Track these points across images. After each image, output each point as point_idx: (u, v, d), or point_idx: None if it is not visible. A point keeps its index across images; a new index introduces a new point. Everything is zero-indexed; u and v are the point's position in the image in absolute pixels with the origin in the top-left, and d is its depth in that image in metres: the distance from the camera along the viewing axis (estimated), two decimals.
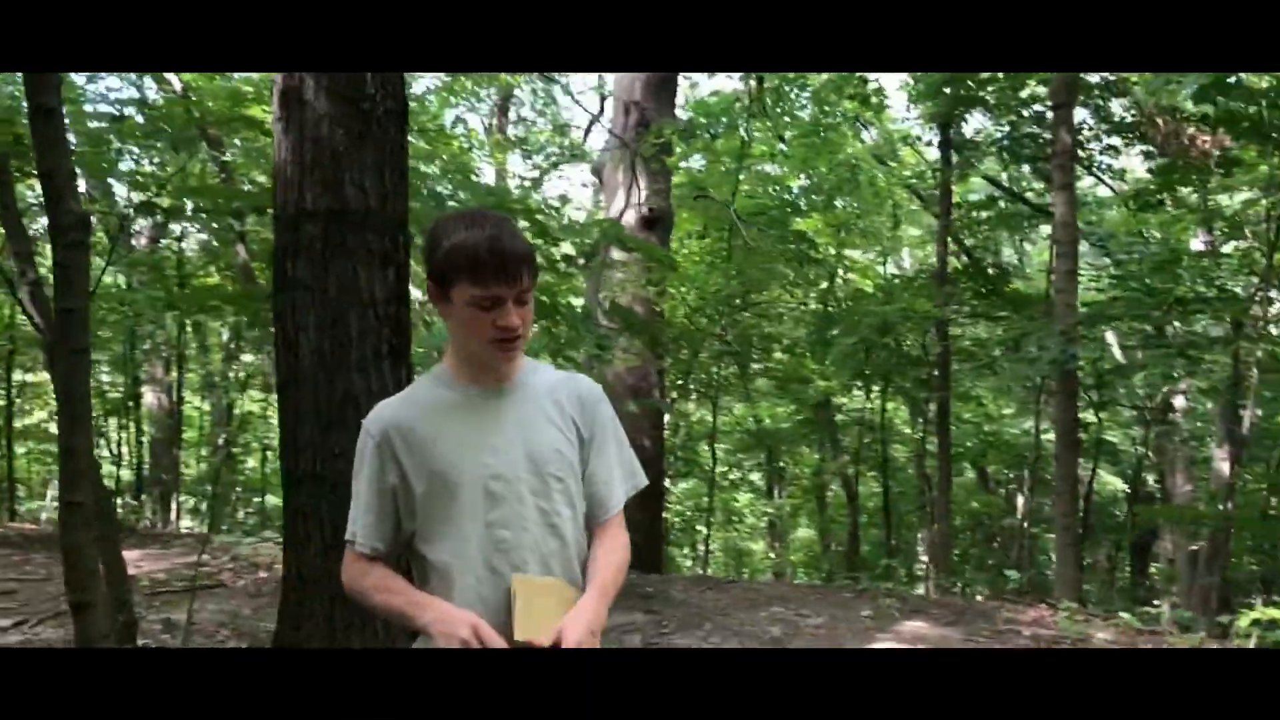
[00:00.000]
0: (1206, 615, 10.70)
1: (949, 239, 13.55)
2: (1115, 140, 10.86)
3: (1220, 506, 12.82)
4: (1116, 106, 10.99)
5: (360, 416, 4.43)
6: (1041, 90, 12.09)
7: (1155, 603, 16.73)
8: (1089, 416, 14.39)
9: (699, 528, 17.56)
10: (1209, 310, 8.75)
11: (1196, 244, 14.61)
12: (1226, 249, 12.93)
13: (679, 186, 13.12)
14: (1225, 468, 15.26)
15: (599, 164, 13.03)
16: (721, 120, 13.39)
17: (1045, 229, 17.49)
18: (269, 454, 19.69)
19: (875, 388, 14.62)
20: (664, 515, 12.86)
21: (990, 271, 11.95)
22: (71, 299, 3.92)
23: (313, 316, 4.35)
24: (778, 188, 14.93)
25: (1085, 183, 14.41)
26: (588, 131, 16.60)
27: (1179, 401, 16.57)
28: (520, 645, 1.97)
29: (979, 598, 10.56)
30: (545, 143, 15.75)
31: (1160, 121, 8.80)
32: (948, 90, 12.07)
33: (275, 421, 18.17)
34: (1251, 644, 6.61)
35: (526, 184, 15.24)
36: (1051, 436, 15.90)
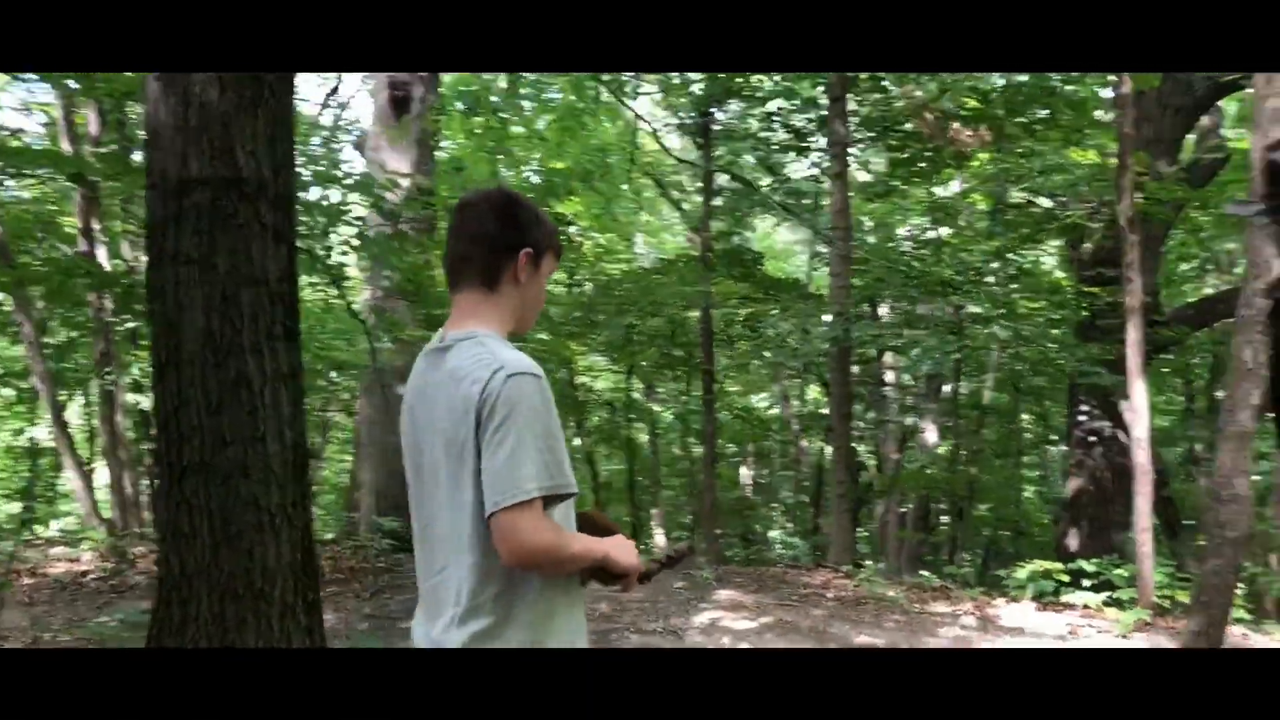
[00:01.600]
0: (911, 572, 11.76)
1: (691, 226, 14.04)
2: (865, 133, 11.59)
3: (934, 472, 14.10)
4: (865, 102, 11.75)
5: (255, 399, 4.23)
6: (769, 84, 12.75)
7: (867, 562, 18.17)
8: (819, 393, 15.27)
9: None
10: (961, 293, 9.60)
11: (903, 231, 15.96)
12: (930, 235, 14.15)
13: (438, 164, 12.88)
14: (931, 437, 16.83)
15: (359, 139, 12.61)
16: (489, 100, 13.29)
17: (769, 218, 18.60)
18: None
19: (626, 368, 14.98)
20: None
21: (746, 256, 12.52)
22: None
23: (199, 293, 4.04)
24: (534, 169, 14.97)
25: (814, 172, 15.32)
26: (324, 105, 15.98)
27: (889, 376, 18.02)
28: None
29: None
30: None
31: (929, 116, 9.56)
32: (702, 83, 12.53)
33: None
34: (1028, 595, 7.35)
35: None
36: (780, 411, 16.95)
